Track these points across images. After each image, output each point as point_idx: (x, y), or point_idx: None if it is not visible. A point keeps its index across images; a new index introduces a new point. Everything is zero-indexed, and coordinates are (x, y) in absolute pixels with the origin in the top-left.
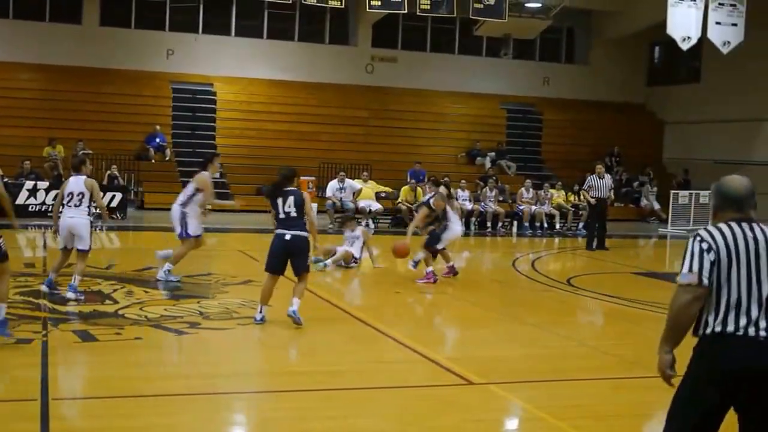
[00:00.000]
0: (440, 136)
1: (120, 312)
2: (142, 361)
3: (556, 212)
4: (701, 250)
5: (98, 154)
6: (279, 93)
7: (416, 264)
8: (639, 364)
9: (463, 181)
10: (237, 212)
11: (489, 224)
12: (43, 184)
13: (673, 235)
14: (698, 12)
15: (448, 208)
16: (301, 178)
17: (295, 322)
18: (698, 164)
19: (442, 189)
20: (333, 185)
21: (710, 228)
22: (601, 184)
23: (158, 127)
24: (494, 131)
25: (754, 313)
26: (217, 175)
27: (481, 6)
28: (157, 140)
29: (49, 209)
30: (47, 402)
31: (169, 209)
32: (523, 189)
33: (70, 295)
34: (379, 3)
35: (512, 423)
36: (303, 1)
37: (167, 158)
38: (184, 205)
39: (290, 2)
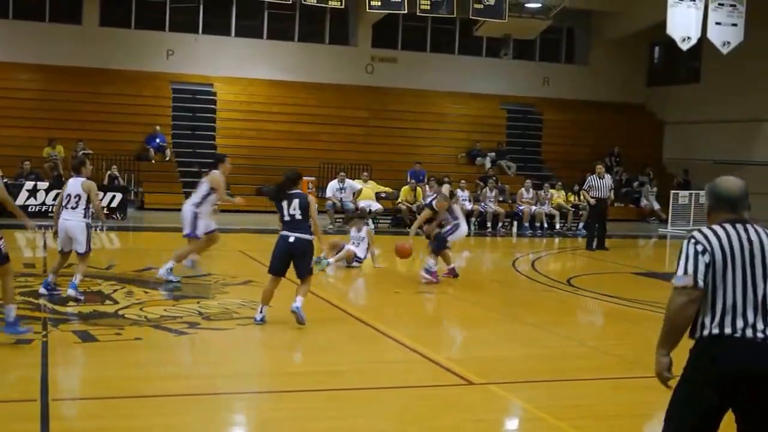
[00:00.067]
0: (440, 137)
1: (120, 312)
2: (142, 361)
3: (556, 212)
4: (696, 252)
5: (98, 154)
6: (279, 93)
7: (431, 273)
8: (639, 364)
9: (463, 181)
10: (237, 212)
11: (489, 224)
12: (43, 185)
13: (673, 235)
14: (698, 12)
15: (456, 207)
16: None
17: (298, 321)
18: (698, 164)
19: (445, 188)
20: (333, 185)
21: (705, 230)
22: (601, 184)
23: (158, 128)
24: (494, 131)
25: (751, 314)
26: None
27: (481, 6)
28: (157, 140)
29: (49, 210)
30: (47, 402)
31: (169, 209)
32: (523, 189)
33: (70, 292)
34: (379, 3)
35: (512, 423)
36: (303, 2)
37: (167, 158)
38: (198, 205)
39: (290, 2)
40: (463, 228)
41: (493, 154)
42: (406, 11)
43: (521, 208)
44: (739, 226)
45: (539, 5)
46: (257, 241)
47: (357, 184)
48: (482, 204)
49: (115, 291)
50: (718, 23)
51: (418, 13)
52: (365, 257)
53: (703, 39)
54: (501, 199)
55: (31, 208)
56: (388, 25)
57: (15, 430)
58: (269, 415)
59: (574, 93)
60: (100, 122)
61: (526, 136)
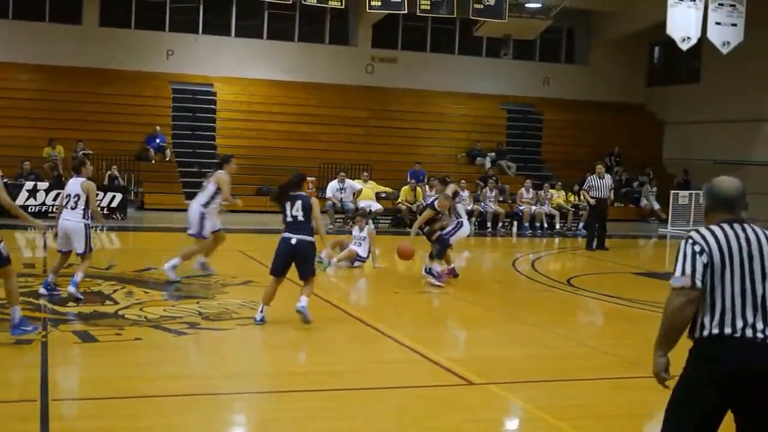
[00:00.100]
0: (440, 137)
1: (120, 312)
2: (142, 361)
3: (556, 212)
4: (694, 253)
5: (98, 154)
6: (279, 93)
7: (438, 276)
8: (639, 364)
9: (463, 181)
10: (237, 212)
11: (489, 224)
12: (42, 185)
13: (673, 236)
14: (698, 12)
15: (459, 206)
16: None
17: (303, 320)
18: (698, 164)
19: (451, 188)
20: (333, 186)
21: (702, 230)
22: (601, 184)
23: (158, 128)
24: (494, 131)
25: (750, 314)
26: None
27: (481, 6)
28: (157, 141)
29: (49, 210)
30: (47, 402)
31: (169, 210)
32: (523, 189)
33: (70, 288)
34: (379, 3)
35: (512, 423)
36: (303, 2)
37: (167, 159)
38: (205, 205)
39: (290, 2)
40: (466, 227)
41: (493, 154)
42: (406, 11)
43: (521, 208)
44: (736, 226)
45: (539, 5)
46: (257, 241)
47: (357, 184)
48: (482, 204)
49: (115, 291)
50: (718, 23)
51: (418, 13)
52: (367, 257)
53: (703, 39)
54: (501, 199)
55: (31, 209)
56: (388, 25)
57: (15, 430)
58: (269, 415)
59: (574, 93)
60: (100, 122)
61: (526, 136)
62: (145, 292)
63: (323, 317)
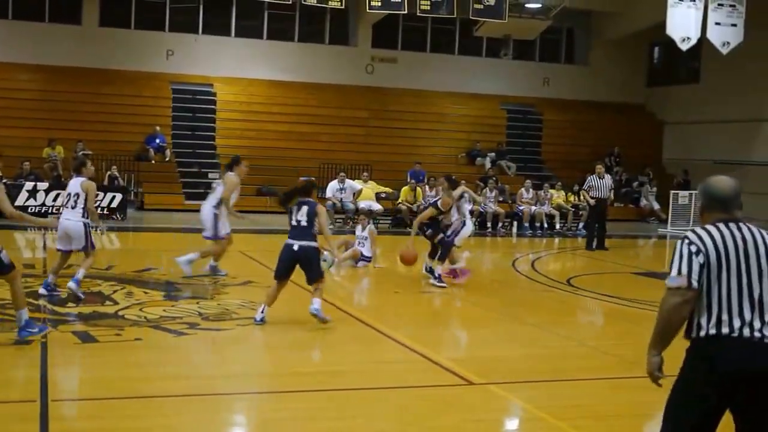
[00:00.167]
0: (440, 137)
1: (120, 313)
2: (142, 361)
3: (556, 212)
4: (690, 253)
5: (98, 154)
6: (279, 93)
7: (440, 278)
8: (639, 364)
9: (463, 181)
10: (237, 212)
11: (489, 224)
12: (42, 185)
13: (672, 236)
14: (698, 12)
15: (466, 206)
16: (301, 178)
17: (320, 321)
18: (698, 164)
19: (460, 189)
20: (333, 186)
21: (698, 230)
22: (601, 184)
23: (158, 128)
24: (494, 132)
25: (747, 314)
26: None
27: (481, 6)
28: (157, 141)
29: (49, 210)
30: (47, 403)
31: (168, 210)
32: (523, 189)
33: (71, 285)
34: (379, 3)
35: (512, 423)
36: (303, 2)
37: (167, 159)
38: (217, 206)
39: (290, 3)
40: (469, 226)
41: (493, 154)
42: (406, 11)
43: (521, 208)
44: (732, 225)
45: (539, 5)
46: (257, 241)
47: (357, 184)
48: (482, 204)
49: (114, 292)
50: (717, 23)
51: (418, 14)
52: (371, 256)
53: (702, 39)
54: (501, 199)
55: (31, 209)
56: (388, 25)
57: (15, 431)
58: (269, 416)
59: (574, 93)
60: (100, 122)
61: (526, 137)
62: (145, 293)
63: None
